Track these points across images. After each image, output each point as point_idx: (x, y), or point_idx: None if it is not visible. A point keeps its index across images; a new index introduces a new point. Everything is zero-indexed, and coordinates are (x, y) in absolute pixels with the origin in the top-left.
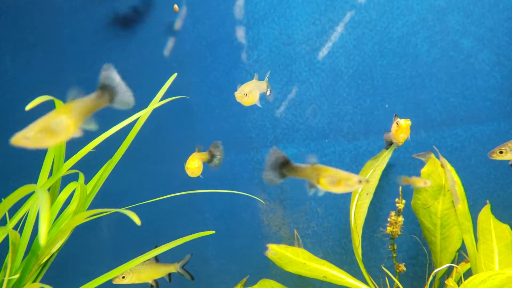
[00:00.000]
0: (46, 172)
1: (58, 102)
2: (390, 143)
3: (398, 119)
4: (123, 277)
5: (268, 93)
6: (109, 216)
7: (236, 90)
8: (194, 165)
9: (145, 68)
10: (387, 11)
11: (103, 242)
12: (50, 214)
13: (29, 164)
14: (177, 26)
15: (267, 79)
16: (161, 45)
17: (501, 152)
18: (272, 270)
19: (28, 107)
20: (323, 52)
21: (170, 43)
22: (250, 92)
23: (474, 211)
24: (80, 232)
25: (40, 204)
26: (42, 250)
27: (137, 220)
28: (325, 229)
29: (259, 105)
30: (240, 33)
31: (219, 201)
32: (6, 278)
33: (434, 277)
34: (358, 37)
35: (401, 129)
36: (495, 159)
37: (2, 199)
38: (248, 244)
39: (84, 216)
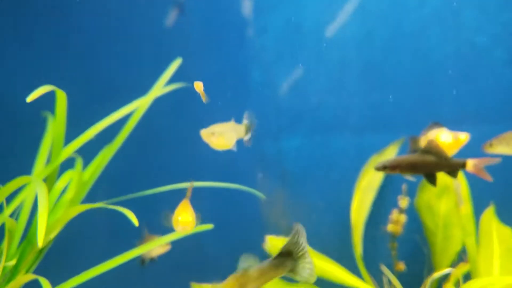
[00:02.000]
0: (43, 158)
1: (59, 93)
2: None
3: (457, 132)
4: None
5: (246, 138)
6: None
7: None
8: (188, 217)
9: (148, 52)
10: (400, 4)
11: (99, 230)
12: (48, 211)
13: (28, 144)
14: (182, 8)
15: (245, 122)
16: (166, 27)
17: (491, 145)
18: None
19: (29, 98)
20: (332, 43)
21: (175, 22)
22: (221, 134)
23: (477, 212)
24: (76, 218)
25: (39, 207)
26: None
27: (135, 221)
28: (326, 223)
29: (234, 149)
30: (248, 20)
31: (219, 190)
32: (2, 265)
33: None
34: (369, 29)
35: (458, 143)
36: (487, 152)
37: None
38: (246, 235)
39: (81, 209)
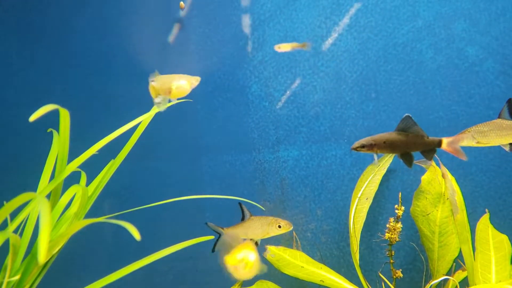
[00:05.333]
0: (48, 174)
1: (62, 111)
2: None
3: None
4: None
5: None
6: (109, 212)
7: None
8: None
9: (149, 66)
10: (393, 17)
11: (102, 240)
12: (51, 228)
13: (34, 160)
14: (182, 24)
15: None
16: (166, 43)
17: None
18: (270, 270)
19: (32, 118)
20: (327, 55)
21: (175, 40)
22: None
23: (473, 218)
24: (80, 232)
25: (41, 225)
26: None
27: (136, 235)
28: (324, 231)
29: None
30: (246, 34)
31: (219, 200)
32: (6, 280)
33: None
34: (363, 41)
35: None
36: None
37: (4, 202)
38: None
39: (84, 223)
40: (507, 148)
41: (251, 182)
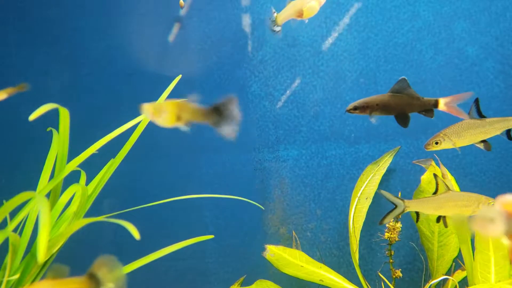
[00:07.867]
0: (48, 174)
1: (62, 110)
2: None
3: None
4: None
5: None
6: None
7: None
8: None
9: (148, 66)
10: (393, 16)
11: (102, 239)
12: (50, 227)
13: (32, 158)
14: (182, 24)
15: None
16: (165, 42)
17: (436, 143)
18: (269, 270)
19: (32, 117)
20: (327, 55)
21: (175, 39)
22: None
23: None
24: (81, 231)
25: (40, 224)
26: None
27: (135, 234)
28: (324, 231)
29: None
30: (245, 34)
31: (218, 199)
32: (5, 279)
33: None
34: (363, 41)
35: None
36: (431, 150)
37: (4, 201)
38: (246, 243)
39: (84, 223)
40: (481, 146)
41: (251, 181)
